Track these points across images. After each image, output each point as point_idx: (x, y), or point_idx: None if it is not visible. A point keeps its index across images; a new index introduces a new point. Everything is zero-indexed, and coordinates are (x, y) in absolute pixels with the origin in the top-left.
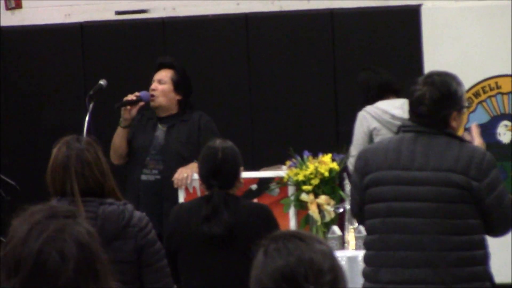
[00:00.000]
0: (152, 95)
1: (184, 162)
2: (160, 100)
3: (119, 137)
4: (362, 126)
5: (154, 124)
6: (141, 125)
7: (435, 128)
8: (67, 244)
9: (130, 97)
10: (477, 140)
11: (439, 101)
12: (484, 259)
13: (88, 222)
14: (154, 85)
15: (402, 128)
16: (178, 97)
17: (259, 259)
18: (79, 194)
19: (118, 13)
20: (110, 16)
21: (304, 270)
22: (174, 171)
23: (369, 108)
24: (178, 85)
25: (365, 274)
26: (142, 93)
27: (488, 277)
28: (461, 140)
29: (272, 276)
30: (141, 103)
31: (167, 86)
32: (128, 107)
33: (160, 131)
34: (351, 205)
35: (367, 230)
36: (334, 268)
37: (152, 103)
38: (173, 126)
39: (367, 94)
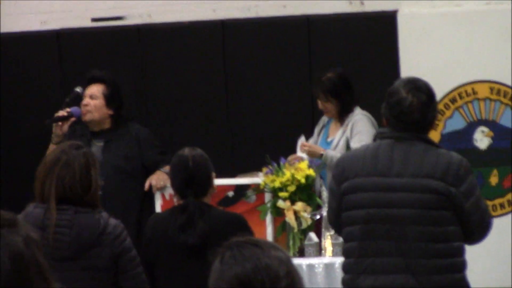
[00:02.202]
0: (86, 111)
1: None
2: (93, 115)
3: None
4: (373, 129)
5: (88, 140)
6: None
7: (418, 133)
8: None
9: (61, 113)
10: None
11: (427, 105)
12: (462, 266)
13: (33, 228)
14: (86, 100)
15: (379, 135)
16: (110, 112)
17: (216, 267)
18: (56, 200)
19: (94, 20)
20: (86, 23)
21: (261, 277)
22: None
23: (368, 114)
24: (109, 99)
25: (344, 282)
26: (73, 109)
27: (466, 284)
28: (437, 146)
29: (229, 283)
30: (72, 119)
31: (99, 101)
32: (60, 123)
33: (96, 147)
34: (328, 213)
35: (345, 237)
36: (291, 274)
37: (84, 118)
38: (110, 141)
39: (353, 96)
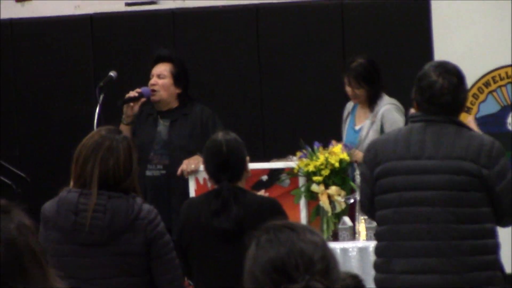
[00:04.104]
0: (153, 90)
1: (189, 155)
2: (161, 94)
3: None
4: (402, 117)
5: (155, 119)
6: (141, 121)
7: (449, 116)
8: None
9: (132, 93)
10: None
11: (458, 88)
12: (495, 248)
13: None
14: (154, 79)
15: (410, 119)
16: (178, 91)
17: (252, 251)
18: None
19: (127, 4)
20: (120, 7)
21: (295, 260)
22: (179, 165)
23: (396, 102)
24: (177, 78)
25: (376, 266)
26: (143, 89)
27: (499, 266)
28: (469, 128)
29: (263, 267)
30: (143, 99)
31: (167, 80)
32: (131, 104)
33: (162, 126)
34: (361, 199)
35: (378, 221)
36: (326, 258)
37: (153, 98)
38: (176, 121)
39: (382, 81)
